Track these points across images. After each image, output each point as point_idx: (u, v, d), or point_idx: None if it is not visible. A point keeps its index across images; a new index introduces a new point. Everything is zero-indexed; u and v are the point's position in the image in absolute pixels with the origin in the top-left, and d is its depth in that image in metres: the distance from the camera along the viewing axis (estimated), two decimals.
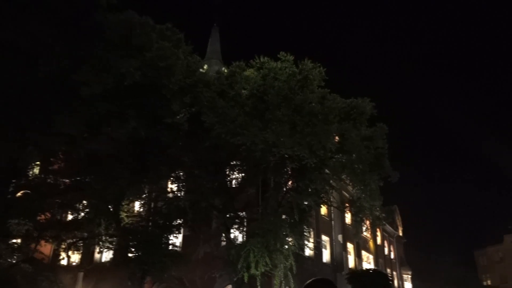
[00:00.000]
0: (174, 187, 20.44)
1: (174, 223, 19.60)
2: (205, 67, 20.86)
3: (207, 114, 15.99)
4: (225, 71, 19.76)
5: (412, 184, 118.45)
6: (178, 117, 16.84)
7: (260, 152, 15.33)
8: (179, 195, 19.86)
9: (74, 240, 20.72)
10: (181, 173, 19.76)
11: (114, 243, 20.32)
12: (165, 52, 14.99)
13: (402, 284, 43.86)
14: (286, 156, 16.05)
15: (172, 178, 20.07)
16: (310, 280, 2.40)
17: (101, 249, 21.64)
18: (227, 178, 19.45)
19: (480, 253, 68.08)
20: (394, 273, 41.55)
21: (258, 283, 15.79)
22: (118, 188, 17.57)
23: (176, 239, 21.39)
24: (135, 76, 14.07)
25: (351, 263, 31.79)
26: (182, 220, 19.59)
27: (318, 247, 27.06)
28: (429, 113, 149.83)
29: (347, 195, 24.24)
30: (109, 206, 19.28)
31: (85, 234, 20.48)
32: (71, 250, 21.13)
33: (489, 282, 63.19)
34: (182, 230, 21.42)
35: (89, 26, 13.61)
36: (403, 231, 48.27)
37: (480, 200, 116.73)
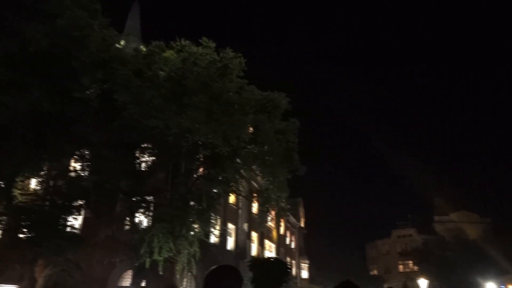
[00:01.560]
0: (77, 166, 19.23)
1: (75, 204, 18.46)
2: (122, 43, 19.82)
3: (121, 93, 15.26)
4: (143, 49, 18.97)
5: (317, 179, 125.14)
6: (88, 92, 15.82)
7: (174, 137, 15.06)
8: (82, 174, 18.72)
9: None
10: (87, 152, 18.64)
11: (3, 222, 18.58)
12: (79, 22, 13.94)
13: (300, 272, 46.31)
14: (200, 142, 15.96)
15: (76, 157, 18.85)
16: (214, 267, 2.43)
17: None
18: (136, 161, 18.79)
19: (370, 245, 74.40)
20: (293, 261, 43.67)
21: (160, 269, 15.60)
22: (11, 163, 16.04)
23: (76, 221, 20.21)
24: (41, 42, 12.90)
25: (254, 251, 32.77)
26: (83, 201, 18.52)
27: (223, 235, 27.44)
28: (341, 113, 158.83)
29: (256, 185, 24.86)
30: (0, 182, 17.56)
31: None
32: None
33: (375, 272, 69.35)
34: (83, 212, 20.29)
35: None
36: (305, 223, 50.87)
37: (376, 198, 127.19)
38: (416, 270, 57.19)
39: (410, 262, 63.86)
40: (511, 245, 53.30)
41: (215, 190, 17.51)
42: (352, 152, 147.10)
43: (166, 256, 15.35)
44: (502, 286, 34.20)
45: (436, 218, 66.88)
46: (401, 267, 67.84)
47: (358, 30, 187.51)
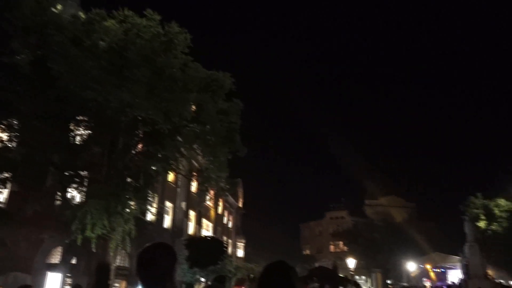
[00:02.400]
0: (4, 136, 17.97)
1: (0, 176, 17.31)
2: (59, 7, 18.50)
3: (56, 61, 14.34)
4: (83, 16, 17.89)
5: (256, 161, 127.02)
6: (18, 57, 14.71)
7: (112, 111, 14.49)
8: (10, 145, 17.53)
9: None
10: (15, 122, 17.44)
11: None
12: None
13: (236, 251, 47.10)
14: (140, 118, 15.51)
15: (3, 126, 17.58)
16: (148, 245, 2.41)
17: None
18: (70, 134, 17.89)
19: (305, 226, 77.24)
20: (230, 240, 44.30)
21: (93, 246, 15.16)
22: None
23: (1, 195, 19.01)
24: None
25: (191, 230, 32.79)
26: (10, 174, 17.39)
27: (160, 213, 27.15)
28: (283, 98, 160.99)
29: (196, 164, 24.70)
30: None
31: None
32: None
33: (308, 252, 72.24)
34: (9, 186, 19.08)
35: None
36: (243, 203, 51.60)
37: (312, 182, 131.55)
38: (345, 250, 60.33)
39: (341, 242, 67.18)
40: (431, 228, 57.76)
41: (153, 168, 17.17)
42: (291, 136, 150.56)
43: (99, 233, 14.91)
44: (421, 265, 37.01)
45: (367, 202, 70.67)
46: (332, 247, 71.22)
47: (303, 10, 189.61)
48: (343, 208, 72.20)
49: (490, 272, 37.72)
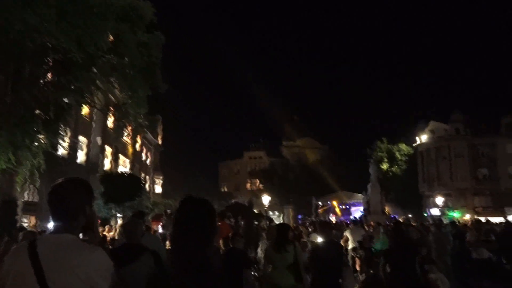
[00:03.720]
0: None
1: None
2: None
3: None
4: None
5: (178, 98, 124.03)
6: None
7: (16, 35, 13.01)
8: None
9: None
10: None
11: None
12: None
13: (154, 187, 47.09)
14: (49, 45, 14.16)
15: None
16: (60, 180, 2.33)
17: None
18: None
19: (223, 165, 78.96)
20: (148, 177, 44.01)
21: None
22: None
23: None
24: None
25: (107, 166, 31.92)
26: None
27: (74, 148, 25.92)
28: (206, 36, 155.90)
29: (113, 98, 23.53)
30: None
31: None
32: None
33: (225, 189, 74.52)
34: None
35: None
36: (162, 140, 50.93)
37: (233, 122, 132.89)
38: (261, 188, 63.24)
39: (257, 181, 70.15)
40: (340, 169, 62.26)
41: (65, 100, 16.08)
42: (213, 76, 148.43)
43: (3, 167, 13.94)
44: (329, 202, 40.21)
45: (284, 143, 73.63)
46: (248, 185, 74.20)
47: None
48: (261, 149, 74.63)
49: (387, 208, 42.21)
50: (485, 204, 53.96)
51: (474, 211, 52.32)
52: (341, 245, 8.25)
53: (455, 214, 50.18)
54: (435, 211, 51.80)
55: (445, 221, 24.34)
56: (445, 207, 51.41)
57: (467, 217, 45.79)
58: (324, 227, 7.15)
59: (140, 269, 3.83)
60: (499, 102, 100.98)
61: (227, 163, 77.65)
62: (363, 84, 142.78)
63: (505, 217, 37.81)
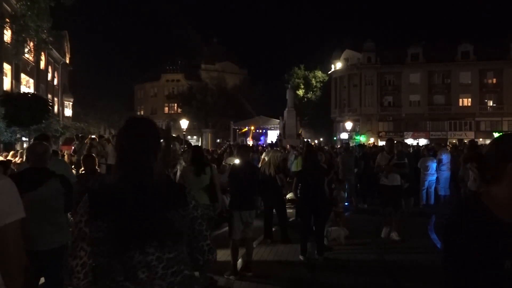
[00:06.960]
0: None
1: None
2: None
3: None
4: None
5: (89, 12, 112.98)
6: None
7: None
8: None
9: None
10: None
11: None
12: None
13: (63, 110, 44.12)
14: None
15: None
16: None
17: None
18: None
19: (139, 87, 75.71)
20: (56, 99, 40.94)
21: None
22: None
23: None
24: None
25: (7, 85, 28.97)
26: None
27: None
28: None
29: (9, 9, 20.73)
30: None
31: None
32: None
33: (142, 112, 72.26)
34: None
35: None
36: (71, 59, 46.90)
37: (147, 41, 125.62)
38: (179, 112, 62.36)
39: (175, 104, 68.82)
40: (258, 94, 63.21)
41: None
42: None
43: None
44: (247, 126, 40.98)
45: (203, 66, 71.94)
46: (166, 109, 72.63)
47: None
48: (180, 71, 72.35)
49: (301, 132, 44.41)
50: (388, 129, 58.94)
51: (378, 135, 57.06)
52: (257, 166, 8.60)
53: (362, 138, 54.48)
54: (344, 135, 55.70)
55: (352, 144, 26.41)
56: (353, 132, 55.44)
57: (371, 141, 49.86)
58: (243, 150, 7.35)
59: (46, 194, 3.68)
60: (407, 32, 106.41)
61: (144, 85, 74.37)
62: (284, 11, 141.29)
63: (403, 141, 41.85)
